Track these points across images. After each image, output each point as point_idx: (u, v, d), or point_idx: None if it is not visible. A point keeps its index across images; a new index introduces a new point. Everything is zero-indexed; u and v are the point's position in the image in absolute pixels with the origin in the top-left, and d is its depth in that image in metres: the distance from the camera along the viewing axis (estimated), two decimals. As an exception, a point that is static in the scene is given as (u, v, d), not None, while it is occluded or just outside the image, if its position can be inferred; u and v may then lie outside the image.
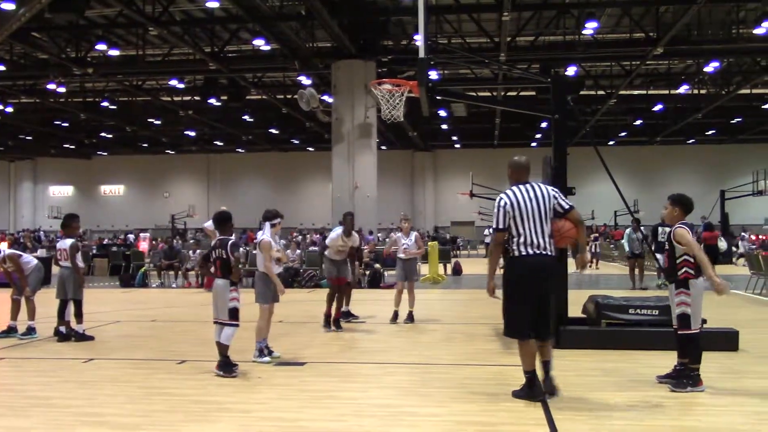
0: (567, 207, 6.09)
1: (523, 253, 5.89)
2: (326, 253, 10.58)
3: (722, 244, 23.32)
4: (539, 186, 6.10)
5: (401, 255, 11.11)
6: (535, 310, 5.89)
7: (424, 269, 21.13)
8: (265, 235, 7.99)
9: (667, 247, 6.61)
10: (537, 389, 5.93)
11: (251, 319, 7.96)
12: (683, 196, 6.74)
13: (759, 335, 9.54)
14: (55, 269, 10.17)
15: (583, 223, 6.33)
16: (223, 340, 7.12)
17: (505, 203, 5.98)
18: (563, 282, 8.80)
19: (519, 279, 5.94)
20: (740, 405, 5.87)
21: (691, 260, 6.37)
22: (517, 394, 6.04)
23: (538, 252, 5.88)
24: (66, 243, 9.62)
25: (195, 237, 28.32)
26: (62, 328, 9.53)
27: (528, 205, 5.93)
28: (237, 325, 7.21)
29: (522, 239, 5.90)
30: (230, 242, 7.31)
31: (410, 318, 11.04)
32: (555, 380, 6.05)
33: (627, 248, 17.21)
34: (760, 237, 35.47)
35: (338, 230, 10.55)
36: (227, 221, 7.51)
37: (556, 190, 6.20)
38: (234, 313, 7.16)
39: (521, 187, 6.06)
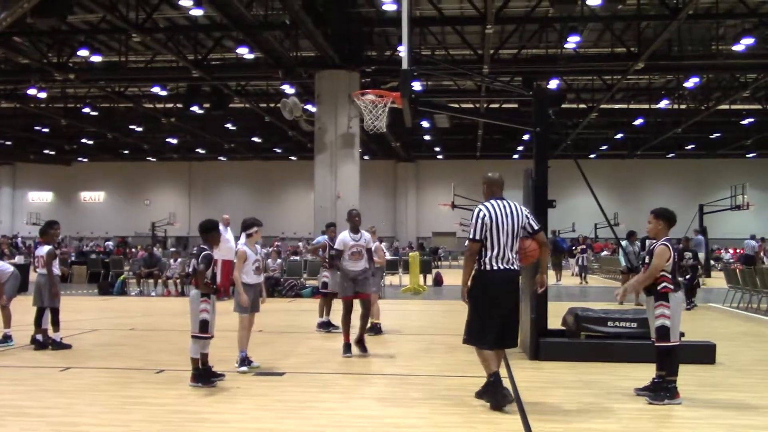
0: (536, 228, 6.36)
1: (494, 267, 6.09)
2: (342, 263, 9.13)
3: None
4: (513, 204, 6.31)
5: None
6: (502, 322, 6.09)
7: (405, 280, 21.14)
8: (240, 244, 8.00)
9: (647, 260, 6.67)
10: (500, 390, 6.10)
11: (232, 329, 7.91)
12: (666, 210, 6.82)
13: (736, 349, 9.64)
14: (33, 276, 10.06)
15: (547, 245, 6.72)
16: (190, 353, 7.03)
17: (485, 215, 6.14)
18: (543, 294, 8.83)
19: (488, 292, 6.11)
20: (716, 418, 5.92)
21: (669, 275, 6.45)
22: (479, 393, 6.26)
23: (507, 267, 6.10)
24: (43, 250, 9.53)
25: (176, 247, 28.13)
26: (39, 336, 9.42)
27: (504, 221, 6.13)
28: (206, 338, 7.05)
29: (494, 253, 6.10)
30: (202, 253, 7.19)
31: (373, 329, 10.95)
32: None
33: (623, 262, 16.66)
34: (738, 250, 35.83)
35: (344, 233, 9.33)
36: (208, 230, 7.37)
37: (527, 209, 6.43)
38: (203, 326, 7.03)
39: (498, 202, 6.27)
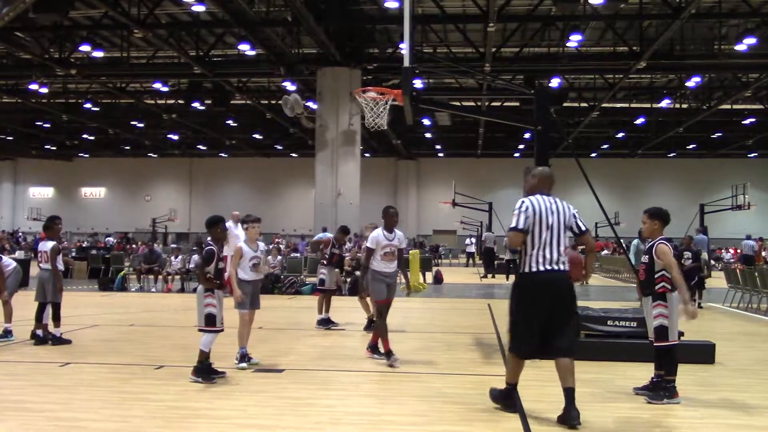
0: (584, 228, 5.89)
1: (535, 269, 5.61)
2: (372, 264, 8.39)
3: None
4: (560, 201, 5.85)
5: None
6: (543, 330, 5.59)
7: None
8: (239, 240, 8.03)
9: (645, 259, 6.67)
10: (512, 402, 5.94)
11: (233, 325, 7.92)
12: (660, 209, 6.83)
13: (735, 348, 9.64)
14: (33, 271, 10.07)
15: (594, 248, 6.45)
16: (201, 346, 7.06)
17: (527, 207, 5.69)
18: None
19: (528, 298, 5.66)
20: (715, 417, 5.93)
21: (669, 275, 6.45)
22: (494, 395, 6.07)
23: (550, 268, 5.59)
24: (47, 245, 9.53)
25: (177, 244, 28.11)
26: (39, 332, 9.42)
27: (549, 217, 5.67)
28: (214, 331, 7.10)
29: (536, 252, 5.62)
30: (206, 249, 7.27)
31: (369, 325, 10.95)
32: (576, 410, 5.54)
33: (634, 261, 16.58)
34: (738, 251, 35.81)
35: (377, 230, 8.56)
36: (212, 225, 7.34)
37: (575, 208, 5.90)
38: (210, 320, 7.07)
39: (544, 197, 5.79)
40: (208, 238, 7.41)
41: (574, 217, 5.83)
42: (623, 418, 5.85)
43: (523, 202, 5.74)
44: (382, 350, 8.26)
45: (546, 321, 5.56)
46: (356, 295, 16.58)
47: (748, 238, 29.55)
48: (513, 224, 5.66)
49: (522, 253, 5.71)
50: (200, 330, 7.13)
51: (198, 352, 7.07)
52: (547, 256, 5.59)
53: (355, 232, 21.82)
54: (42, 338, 9.36)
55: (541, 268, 5.58)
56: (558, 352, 5.57)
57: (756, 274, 14.79)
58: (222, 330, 7.24)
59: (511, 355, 5.85)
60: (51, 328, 9.42)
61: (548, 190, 5.89)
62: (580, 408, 6.11)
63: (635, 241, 16.09)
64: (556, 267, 5.59)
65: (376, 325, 8.53)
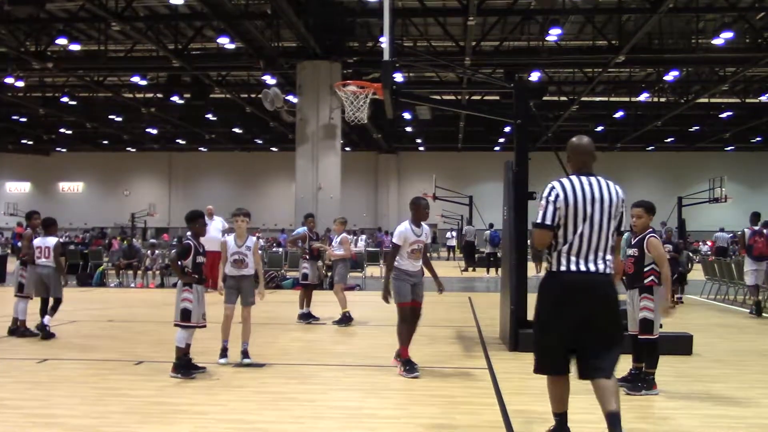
0: (622, 229, 4.78)
1: (565, 269, 4.47)
2: (397, 262, 7.54)
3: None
4: (607, 183, 4.60)
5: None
6: (575, 345, 4.49)
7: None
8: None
9: (633, 252, 6.70)
10: None
11: (216, 320, 7.86)
12: (649, 201, 6.93)
13: (712, 339, 9.75)
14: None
15: (619, 250, 5.31)
16: (176, 342, 7.02)
17: (557, 196, 4.50)
18: (523, 286, 8.89)
19: (553, 303, 4.51)
20: (693, 408, 5.99)
21: (658, 269, 6.52)
22: None
23: (585, 269, 4.43)
24: (50, 242, 9.62)
25: (156, 241, 27.86)
26: (48, 325, 9.47)
27: (588, 206, 4.48)
28: (189, 327, 7.05)
29: (569, 248, 4.47)
30: (183, 243, 7.27)
31: (342, 320, 11.00)
32: None
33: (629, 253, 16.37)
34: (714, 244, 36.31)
35: (404, 224, 7.69)
36: (192, 220, 7.34)
37: (623, 194, 4.67)
38: (185, 314, 7.03)
39: (583, 179, 4.57)
40: (188, 233, 7.37)
41: (623, 203, 4.64)
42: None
43: (552, 187, 4.55)
44: (399, 356, 7.44)
45: (578, 335, 4.44)
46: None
47: (722, 230, 29.93)
48: (538, 218, 4.51)
49: (551, 248, 4.55)
50: (175, 325, 7.09)
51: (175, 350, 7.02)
52: (583, 252, 4.44)
53: (327, 227, 21.90)
54: (49, 333, 9.39)
55: (573, 267, 4.44)
56: (594, 372, 4.46)
57: (733, 266, 14.96)
58: (203, 326, 7.20)
59: (547, 379, 4.70)
60: (39, 320, 9.45)
61: (588, 167, 4.66)
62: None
63: (626, 234, 15.97)
64: (593, 267, 4.44)
65: (397, 330, 7.54)
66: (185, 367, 6.98)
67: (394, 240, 7.63)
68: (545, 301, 4.56)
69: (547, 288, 4.57)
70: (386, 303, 7.40)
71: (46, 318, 9.44)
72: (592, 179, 4.58)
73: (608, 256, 4.50)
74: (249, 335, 7.73)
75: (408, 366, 7.19)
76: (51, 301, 9.58)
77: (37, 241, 9.72)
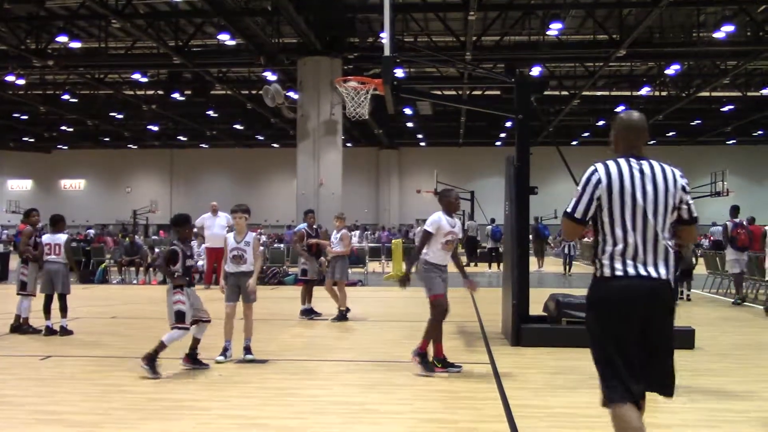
0: (694, 215, 3.85)
1: (617, 273, 3.62)
2: (425, 255, 7.23)
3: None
4: (662, 166, 3.75)
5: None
6: (628, 360, 3.62)
7: (388, 267, 21.16)
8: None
9: None
10: None
11: (221, 317, 7.85)
12: None
13: (715, 333, 9.76)
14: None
15: (694, 239, 4.88)
16: (164, 338, 6.94)
17: (598, 182, 3.68)
18: (525, 281, 8.89)
19: (605, 318, 3.67)
20: (695, 402, 5.98)
21: None
22: None
23: (640, 273, 3.60)
24: (59, 238, 9.69)
25: (157, 241, 27.92)
26: (49, 323, 9.50)
27: (638, 192, 3.63)
28: (184, 329, 7.06)
29: (618, 247, 3.63)
30: (170, 248, 7.24)
31: (338, 317, 11.05)
32: None
33: None
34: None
35: (438, 214, 7.27)
36: (179, 224, 7.33)
37: (685, 178, 3.84)
38: (180, 316, 7.02)
39: (633, 162, 3.71)
40: (176, 239, 7.33)
41: (684, 190, 3.78)
42: (605, 404, 5.89)
43: (593, 170, 3.73)
44: (431, 355, 7.14)
45: (635, 348, 3.65)
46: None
47: (714, 224, 29.95)
48: (569, 206, 3.77)
49: (596, 248, 3.76)
50: (173, 328, 7.07)
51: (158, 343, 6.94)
52: (639, 254, 3.61)
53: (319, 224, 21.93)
54: (52, 329, 9.48)
55: (619, 272, 3.62)
56: (650, 387, 3.78)
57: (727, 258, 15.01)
58: (207, 321, 7.28)
59: (612, 409, 3.69)
60: (57, 319, 9.54)
61: (638, 148, 3.80)
62: (562, 394, 6.17)
63: (712, 229, 15.99)
64: (646, 271, 3.61)
65: (430, 327, 7.22)
66: (154, 361, 6.84)
67: (427, 228, 7.19)
68: (598, 317, 3.70)
69: (597, 299, 3.73)
70: (402, 288, 7.38)
71: (63, 321, 9.52)
72: (644, 163, 3.70)
73: (663, 255, 3.64)
74: (251, 331, 7.72)
75: (427, 362, 7.04)
76: (56, 297, 9.61)
77: (46, 238, 9.78)
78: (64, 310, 9.57)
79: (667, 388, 3.84)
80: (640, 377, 3.65)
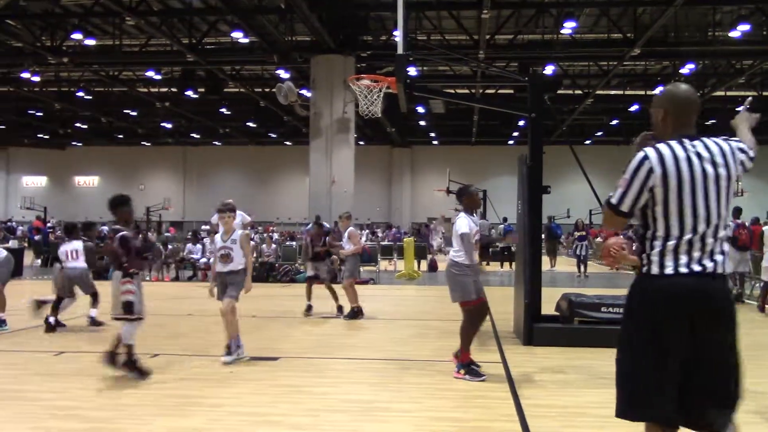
0: (752, 155, 3.43)
1: (667, 270, 3.14)
2: (456, 256, 6.88)
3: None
4: (716, 143, 3.26)
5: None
6: (679, 373, 3.09)
7: (399, 265, 21.17)
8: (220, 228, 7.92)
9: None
10: None
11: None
12: None
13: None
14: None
15: None
16: (123, 340, 6.64)
17: (650, 171, 3.19)
18: (537, 280, 8.87)
19: (651, 321, 3.13)
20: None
21: None
22: None
23: (697, 270, 3.11)
24: (77, 245, 10.13)
25: (170, 238, 28.02)
26: (52, 319, 9.65)
27: (698, 181, 3.15)
28: (132, 320, 6.72)
29: (671, 242, 3.15)
30: (119, 236, 6.84)
31: (339, 312, 11.19)
32: None
33: None
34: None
35: (463, 216, 7.02)
36: (117, 206, 6.95)
37: (740, 142, 3.43)
38: (128, 307, 6.68)
39: (687, 144, 3.21)
40: (119, 223, 7.02)
41: (742, 151, 3.36)
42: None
43: (644, 157, 3.24)
44: (459, 359, 6.87)
45: (684, 363, 3.10)
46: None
47: None
48: (614, 197, 3.30)
49: (644, 241, 3.26)
50: (116, 318, 6.76)
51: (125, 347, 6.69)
52: (697, 246, 3.13)
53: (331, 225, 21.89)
54: (52, 325, 9.64)
55: (670, 269, 3.14)
56: (706, 422, 3.13)
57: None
58: (143, 318, 6.92)
59: (647, 425, 3.21)
60: (93, 313, 9.95)
61: (690, 127, 3.31)
62: (574, 394, 6.15)
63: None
64: (703, 267, 3.12)
65: (466, 334, 6.88)
66: (134, 367, 6.65)
67: (463, 230, 6.82)
68: (638, 317, 3.19)
69: (641, 298, 3.20)
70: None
71: (93, 311, 9.92)
72: (698, 144, 3.20)
73: (721, 248, 3.16)
74: (234, 330, 7.47)
75: (471, 369, 6.74)
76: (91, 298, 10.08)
77: (65, 246, 10.16)
78: (94, 304, 10.02)
79: (719, 421, 3.10)
80: (678, 402, 3.08)
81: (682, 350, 3.08)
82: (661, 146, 3.21)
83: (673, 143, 3.21)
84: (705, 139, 3.24)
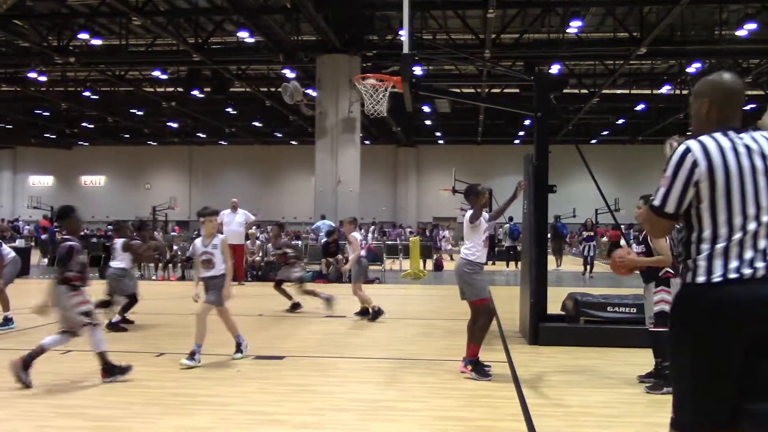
0: None
1: (715, 278, 2.76)
2: (468, 254, 6.82)
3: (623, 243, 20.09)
4: (764, 136, 2.92)
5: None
6: (739, 395, 2.73)
7: (405, 264, 21.17)
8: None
9: (642, 249, 6.61)
10: None
11: (234, 314, 7.88)
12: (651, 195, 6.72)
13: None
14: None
15: None
16: (95, 348, 6.47)
17: (694, 165, 2.83)
18: (543, 279, 8.86)
19: (701, 335, 2.77)
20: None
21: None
22: None
23: (748, 273, 2.74)
24: (116, 242, 10.01)
25: (175, 237, 28.09)
26: (116, 318, 9.74)
27: (747, 174, 2.82)
28: (93, 324, 6.52)
29: (720, 245, 2.80)
30: (63, 245, 6.59)
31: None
32: None
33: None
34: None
35: (469, 214, 6.91)
36: (64, 217, 6.82)
37: None
38: (89, 315, 6.49)
39: (733, 137, 2.88)
40: (64, 233, 6.83)
41: None
42: (624, 403, 5.86)
43: (686, 150, 2.88)
44: (468, 357, 6.79)
45: (738, 377, 2.74)
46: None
47: None
48: (656, 198, 2.96)
49: (689, 245, 2.91)
50: (67, 332, 6.51)
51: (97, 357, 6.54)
52: (737, 249, 2.78)
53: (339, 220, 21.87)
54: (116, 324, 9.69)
55: (719, 277, 2.77)
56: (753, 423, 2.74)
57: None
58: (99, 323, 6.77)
59: None
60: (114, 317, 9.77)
61: (736, 119, 3.00)
62: (580, 393, 6.14)
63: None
64: (754, 270, 2.75)
65: (477, 330, 6.80)
66: (111, 371, 6.51)
67: (475, 223, 6.80)
68: (692, 332, 2.81)
69: (689, 311, 2.84)
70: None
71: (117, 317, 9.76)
72: (745, 136, 2.89)
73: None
74: (202, 337, 7.26)
75: (480, 368, 6.69)
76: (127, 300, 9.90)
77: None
78: (127, 305, 9.89)
79: None
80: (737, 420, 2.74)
81: (735, 367, 2.73)
82: (705, 138, 2.89)
83: (718, 135, 2.89)
84: (752, 132, 2.94)
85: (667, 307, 6.34)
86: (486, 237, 6.93)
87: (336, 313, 11.20)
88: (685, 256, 2.92)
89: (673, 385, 2.97)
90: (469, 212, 6.87)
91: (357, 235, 11.47)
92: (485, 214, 6.98)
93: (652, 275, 6.55)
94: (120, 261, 9.85)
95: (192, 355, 7.12)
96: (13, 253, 10.13)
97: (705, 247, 2.82)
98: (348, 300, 11.46)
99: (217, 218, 7.76)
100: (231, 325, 7.58)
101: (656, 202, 2.94)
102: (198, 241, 7.52)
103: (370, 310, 10.86)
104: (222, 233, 14.62)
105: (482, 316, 6.80)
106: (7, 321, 9.61)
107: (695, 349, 2.78)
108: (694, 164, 2.83)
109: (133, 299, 9.91)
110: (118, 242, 9.98)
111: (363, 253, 11.37)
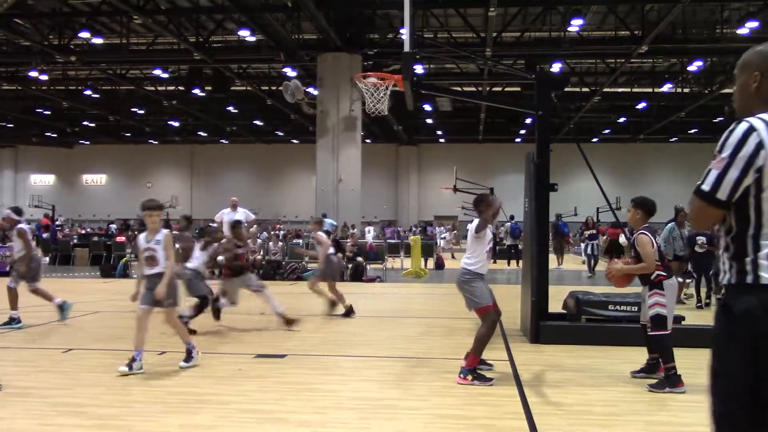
0: None
1: (751, 280, 2.41)
2: (468, 264, 6.68)
3: (622, 240, 19.32)
4: None
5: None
6: None
7: (406, 263, 21.18)
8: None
9: (633, 253, 6.62)
10: None
11: (240, 312, 7.90)
12: (646, 199, 6.69)
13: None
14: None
15: None
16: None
17: (760, 143, 2.41)
18: (544, 277, 8.86)
19: (749, 345, 2.36)
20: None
21: (663, 264, 6.47)
22: None
23: None
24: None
25: (175, 236, 28.11)
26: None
27: None
28: None
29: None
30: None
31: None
32: None
33: (663, 246, 13.42)
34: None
35: (477, 221, 6.69)
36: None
37: None
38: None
39: None
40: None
41: None
42: (625, 402, 5.86)
43: (748, 129, 2.48)
44: (466, 366, 6.54)
45: None
46: (359, 281, 16.48)
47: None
48: (706, 183, 2.51)
49: (741, 243, 2.48)
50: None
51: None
52: None
53: (353, 222, 21.82)
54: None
55: None
56: None
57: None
58: None
59: None
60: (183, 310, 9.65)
61: None
62: (581, 392, 6.14)
63: (669, 225, 13.45)
64: None
65: (477, 340, 6.59)
66: None
67: (476, 233, 6.65)
68: (736, 342, 2.41)
69: (737, 319, 2.42)
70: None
71: (186, 311, 9.36)
72: None
73: None
74: (186, 336, 7.27)
75: (479, 375, 6.52)
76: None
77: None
78: (197, 308, 9.35)
79: None
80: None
81: None
82: (760, 117, 2.47)
83: None
84: None
85: (662, 311, 6.34)
86: (489, 248, 6.73)
87: (337, 313, 11.22)
88: (736, 252, 2.48)
89: (712, 397, 2.51)
90: (476, 222, 6.69)
91: (323, 235, 11.39)
92: (490, 230, 6.80)
93: (646, 278, 6.56)
94: (194, 262, 9.58)
95: (130, 362, 6.80)
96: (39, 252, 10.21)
97: (764, 243, 2.41)
98: (348, 300, 11.46)
99: (161, 213, 7.34)
100: (143, 334, 7.05)
101: (706, 187, 2.49)
102: (141, 237, 7.11)
103: (332, 304, 10.90)
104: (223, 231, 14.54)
105: (483, 324, 6.62)
106: (12, 320, 9.64)
107: (738, 358, 2.40)
108: (760, 145, 2.41)
109: (204, 300, 9.45)
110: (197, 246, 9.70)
111: (332, 250, 11.25)
